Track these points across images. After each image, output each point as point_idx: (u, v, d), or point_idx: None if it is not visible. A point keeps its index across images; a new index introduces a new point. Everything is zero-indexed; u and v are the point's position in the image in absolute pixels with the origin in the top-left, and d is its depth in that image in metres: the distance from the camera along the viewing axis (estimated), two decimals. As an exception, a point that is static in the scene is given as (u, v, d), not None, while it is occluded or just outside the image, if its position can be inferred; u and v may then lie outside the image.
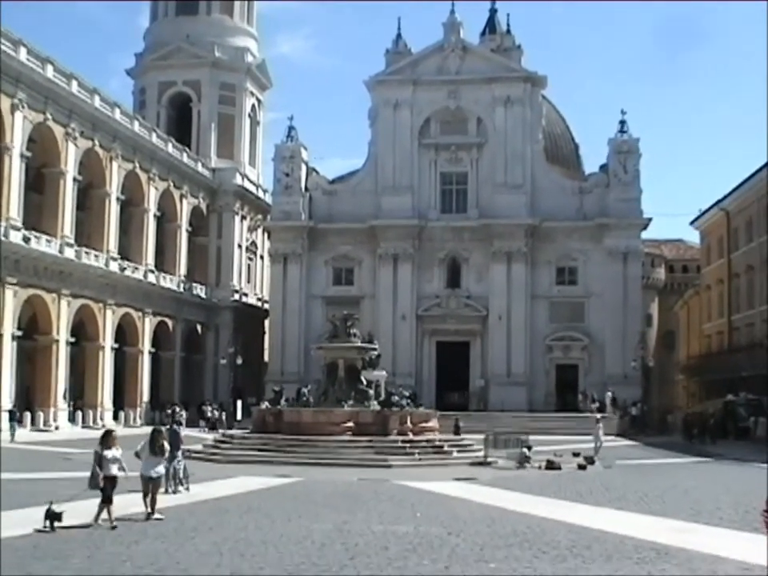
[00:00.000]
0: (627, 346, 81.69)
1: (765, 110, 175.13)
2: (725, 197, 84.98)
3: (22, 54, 61.82)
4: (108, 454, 21.84)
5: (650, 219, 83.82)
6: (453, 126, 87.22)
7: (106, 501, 21.32)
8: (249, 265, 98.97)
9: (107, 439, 22.27)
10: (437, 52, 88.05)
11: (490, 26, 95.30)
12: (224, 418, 74.01)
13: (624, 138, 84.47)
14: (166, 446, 24.06)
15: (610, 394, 76.98)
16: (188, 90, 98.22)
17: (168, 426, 29.95)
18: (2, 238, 59.36)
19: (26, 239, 62.15)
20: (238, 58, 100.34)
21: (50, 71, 65.39)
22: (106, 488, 21.44)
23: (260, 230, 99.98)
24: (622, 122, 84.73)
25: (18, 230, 61.37)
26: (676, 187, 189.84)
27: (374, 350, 49.74)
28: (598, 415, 59.77)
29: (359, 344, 48.68)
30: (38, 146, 65.66)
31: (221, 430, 64.22)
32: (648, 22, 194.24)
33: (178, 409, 65.72)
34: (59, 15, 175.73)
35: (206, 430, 69.51)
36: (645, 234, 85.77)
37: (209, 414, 74.91)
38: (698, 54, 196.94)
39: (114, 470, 21.81)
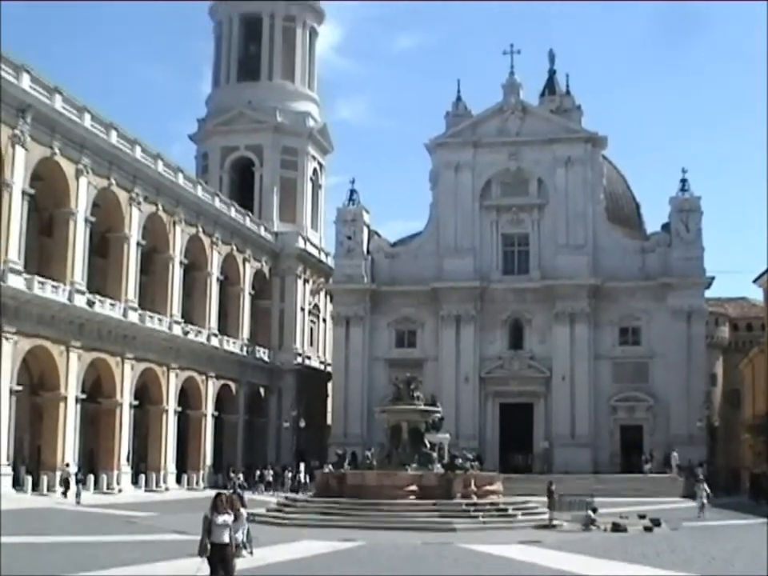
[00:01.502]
0: (692, 405, 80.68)
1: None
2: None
3: (87, 120, 62.60)
4: (218, 519, 20.11)
5: (713, 278, 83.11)
6: (514, 187, 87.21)
7: (213, 572, 19.89)
8: (311, 328, 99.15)
9: (217, 502, 20.38)
10: (497, 113, 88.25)
11: (550, 86, 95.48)
12: (286, 480, 73.89)
13: (685, 196, 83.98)
14: (237, 507, 23.02)
15: (675, 454, 76.01)
16: (250, 154, 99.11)
17: (231, 490, 29.74)
18: (67, 302, 59.92)
19: (91, 303, 62.59)
20: (300, 122, 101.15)
21: (113, 137, 66.17)
22: (214, 556, 19.88)
23: (322, 293, 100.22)
24: (683, 181, 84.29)
25: (83, 293, 61.87)
26: (738, 244, 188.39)
27: (437, 412, 49.40)
28: (700, 474, 59.01)
29: (422, 407, 48.40)
30: (102, 211, 66.30)
31: (280, 493, 64.04)
32: (705, 83, 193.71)
33: (238, 472, 65.67)
34: (122, 81, 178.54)
35: (264, 492, 69.44)
36: (708, 293, 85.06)
37: (268, 478, 74.96)
38: (757, 108, 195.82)
39: (225, 537, 20.12)
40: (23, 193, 56.47)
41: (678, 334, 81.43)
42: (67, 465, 58.70)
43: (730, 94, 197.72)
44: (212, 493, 23.81)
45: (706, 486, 49.76)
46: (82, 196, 62.69)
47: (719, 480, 79.16)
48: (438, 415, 49.31)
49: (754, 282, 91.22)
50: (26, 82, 56.04)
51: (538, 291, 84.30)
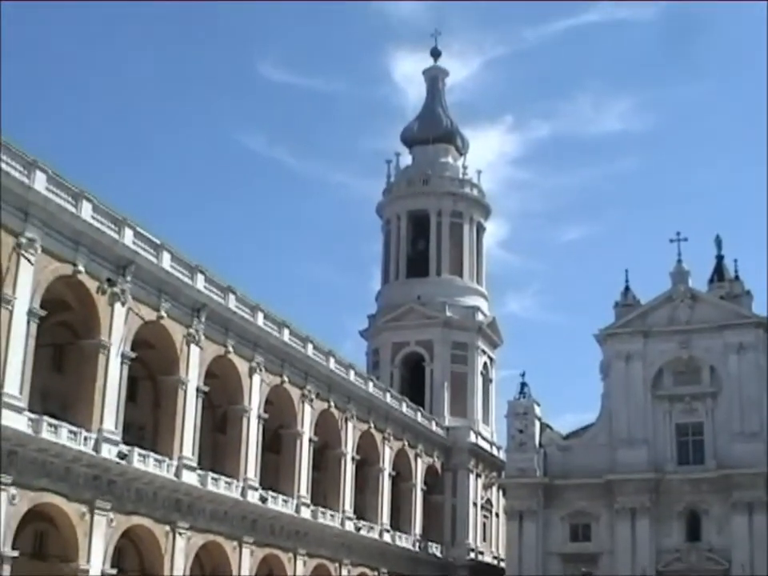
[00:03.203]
0: None
1: None
2: None
3: (260, 319, 64.60)
4: None
5: None
6: (686, 375, 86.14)
7: None
8: (484, 522, 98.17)
9: None
10: (666, 302, 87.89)
11: (718, 272, 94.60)
12: None
13: None
14: None
15: None
16: (420, 349, 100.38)
17: None
18: (240, 498, 60.93)
19: (263, 499, 63.49)
20: (469, 317, 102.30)
21: (286, 335, 68.02)
22: None
23: (495, 487, 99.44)
24: None
25: (256, 489, 62.90)
26: None
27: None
28: None
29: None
30: (275, 407, 67.75)
31: None
32: None
33: None
34: (294, 279, 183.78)
35: None
36: None
37: None
38: None
39: None
40: (197, 390, 58.38)
41: None
42: None
43: None
44: None
45: None
46: (255, 393, 64.37)
47: None
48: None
49: None
50: (200, 282, 58.41)
51: (714, 481, 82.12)
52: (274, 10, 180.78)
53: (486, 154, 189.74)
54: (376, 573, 79.18)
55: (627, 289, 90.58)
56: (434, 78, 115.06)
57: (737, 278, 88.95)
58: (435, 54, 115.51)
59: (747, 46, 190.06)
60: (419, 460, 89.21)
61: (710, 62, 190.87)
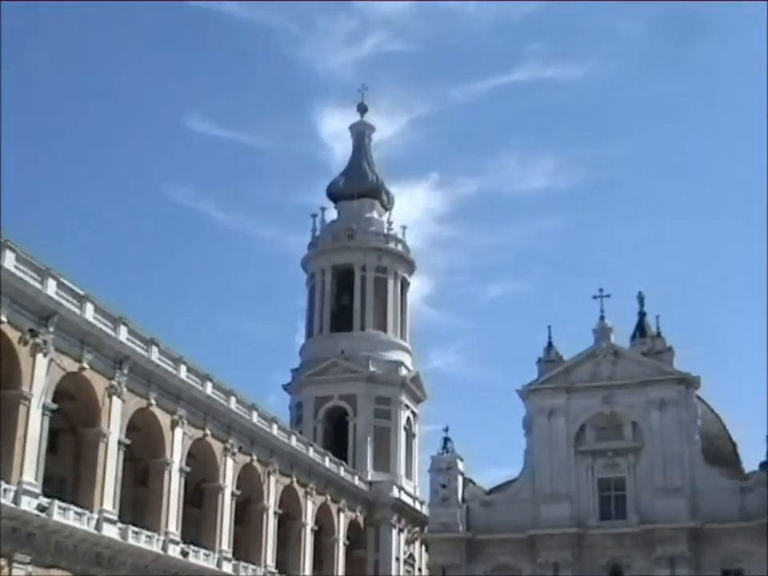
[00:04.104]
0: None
1: None
2: None
3: (183, 372, 64.21)
4: None
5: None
6: (608, 431, 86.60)
7: None
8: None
9: None
10: (589, 358, 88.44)
11: (640, 329, 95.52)
12: None
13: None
14: None
15: None
16: (344, 404, 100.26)
17: None
18: (161, 552, 60.19)
19: (185, 553, 62.77)
20: (393, 371, 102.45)
21: (209, 388, 67.63)
22: None
23: (418, 542, 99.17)
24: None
25: (177, 543, 62.18)
26: None
27: None
28: None
29: None
30: (197, 461, 67.18)
31: None
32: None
33: None
34: (216, 332, 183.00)
35: None
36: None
37: None
38: None
39: None
40: (119, 442, 57.78)
41: (785, 577, 78.91)
42: None
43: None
44: None
45: None
46: (177, 446, 63.87)
47: None
48: None
49: None
50: (123, 333, 57.98)
51: (637, 536, 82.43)
52: (201, 63, 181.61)
53: (411, 210, 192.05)
54: (297, 629, 78.54)
55: (550, 345, 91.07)
56: (361, 134, 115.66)
57: (659, 334, 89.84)
58: (362, 109, 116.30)
59: (673, 110, 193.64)
60: (342, 514, 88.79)
61: (637, 121, 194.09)
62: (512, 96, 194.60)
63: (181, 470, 63.99)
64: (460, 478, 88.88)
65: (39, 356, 51.16)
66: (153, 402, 61.26)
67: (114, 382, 57.21)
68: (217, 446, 68.96)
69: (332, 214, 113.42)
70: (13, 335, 49.61)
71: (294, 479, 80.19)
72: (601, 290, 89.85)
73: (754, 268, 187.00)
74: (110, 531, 55.55)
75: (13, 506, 48.02)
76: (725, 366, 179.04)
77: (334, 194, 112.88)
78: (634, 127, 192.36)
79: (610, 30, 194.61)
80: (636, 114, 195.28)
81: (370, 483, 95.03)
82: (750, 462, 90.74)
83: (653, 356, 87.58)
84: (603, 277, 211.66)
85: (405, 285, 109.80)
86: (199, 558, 64.84)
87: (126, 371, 58.12)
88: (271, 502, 76.22)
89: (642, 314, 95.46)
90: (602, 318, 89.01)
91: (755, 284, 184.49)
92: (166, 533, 61.49)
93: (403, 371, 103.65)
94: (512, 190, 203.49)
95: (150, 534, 59.77)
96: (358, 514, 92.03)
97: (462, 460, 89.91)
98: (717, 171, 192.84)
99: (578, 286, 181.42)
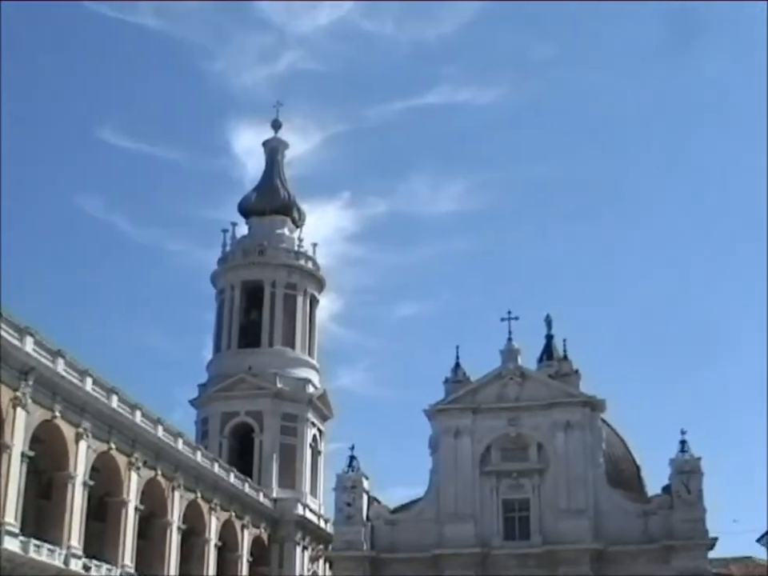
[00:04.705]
0: None
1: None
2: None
3: (88, 384, 63.52)
4: None
5: (716, 539, 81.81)
6: (513, 452, 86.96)
7: None
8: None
9: None
10: (495, 379, 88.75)
11: (548, 351, 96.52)
12: None
13: (685, 457, 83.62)
14: None
15: None
16: (250, 420, 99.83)
17: None
18: (63, 566, 59.35)
19: (87, 568, 61.99)
20: (300, 388, 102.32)
21: (114, 401, 66.97)
22: None
23: (321, 560, 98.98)
24: (683, 442, 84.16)
25: (79, 558, 61.39)
26: (741, 502, 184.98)
27: None
28: None
29: None
30: (101, 475, 66.45)
31: None
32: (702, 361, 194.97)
33: None
34: (123, 346, 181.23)
35: None
36: (712, 553, 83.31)
37: None
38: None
39: None
40: (22, 455, 56.78)
41: (684, 600, 79.93)
42: None
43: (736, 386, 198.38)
44: None
45: None
46: (81, 459, 63.05)
47: None
48: None
49: (758, 541, 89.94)
50: (29, 344, 57.16)
51: (540, 557, 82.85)
52: (114, 74, 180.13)
53: (322, 228, 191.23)
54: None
55: (458, 365, 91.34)
56: (274, 150, 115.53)
57: (565, 357, 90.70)
58: (276, 125, 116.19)
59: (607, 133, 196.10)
60: (246, 531, 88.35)
61: (547, 145, 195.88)
62: (425, 118, 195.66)
63: (84, 484, 63.16)
64: (365, 497, 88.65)
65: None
66: (57, 414, 60.39)
67: (18, 394, 56.33)
68: (121, 460, 68.25)
69: (243, 229, 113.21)
70: None
71: (199, 495, 79.64)
72: (509, 312, 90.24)
73: (663, 291, 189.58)
74: (12, 544, 54.67)
75: None
76: (629, 389, 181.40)
77: (246, 210, 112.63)
78: (544, 151, 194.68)
79: (522, 53, 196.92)
80: (546, 138, 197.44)
81: (275, 500, 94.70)
82: (652, 486, 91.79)
83: (559, 378, 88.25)
84: (512, 299, 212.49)
85: (314, 302, 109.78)
86: (101, 573, 63.99)
87: (31, 382, 57.27)
88: (175, 517, 75.60)
89: (549, 337, 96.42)
90: (509, 339, 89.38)
91: (663, 308, 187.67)
92: (69, 546, 60.64)
93: (310, 389, 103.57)
94: (422, 211, 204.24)
95: (52, 547, 58.85)
96: (263, 530, 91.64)
97: (367, 478, 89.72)
98: (624, 193, 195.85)
99: (486, 308, 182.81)
